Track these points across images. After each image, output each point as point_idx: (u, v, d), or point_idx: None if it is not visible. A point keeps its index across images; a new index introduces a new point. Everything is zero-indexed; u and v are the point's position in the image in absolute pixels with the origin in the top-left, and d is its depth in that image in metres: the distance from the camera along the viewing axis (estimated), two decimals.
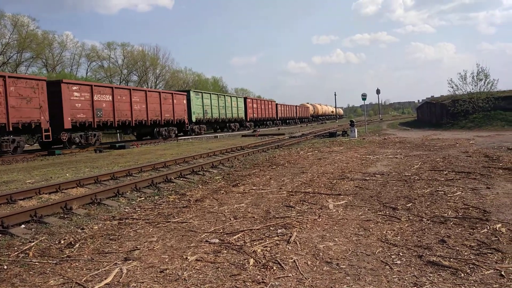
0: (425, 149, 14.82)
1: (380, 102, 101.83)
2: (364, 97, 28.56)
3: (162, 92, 28.41)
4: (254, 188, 8.29)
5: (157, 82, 67.40)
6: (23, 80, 17.42)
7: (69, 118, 19.53)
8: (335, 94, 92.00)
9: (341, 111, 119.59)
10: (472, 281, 3.42)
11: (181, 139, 28.18)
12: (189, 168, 10.95)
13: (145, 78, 65.43)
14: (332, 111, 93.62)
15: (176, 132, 29.71)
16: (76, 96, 20.07)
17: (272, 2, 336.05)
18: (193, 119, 31.94)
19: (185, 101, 30.59)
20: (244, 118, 42.77)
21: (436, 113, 39.18)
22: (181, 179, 9.88)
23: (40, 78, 18.92)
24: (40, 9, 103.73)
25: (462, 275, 3.55)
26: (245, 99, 44.46)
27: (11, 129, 16.53)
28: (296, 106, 67.27)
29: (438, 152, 13.36)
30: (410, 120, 57.46)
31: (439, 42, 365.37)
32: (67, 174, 11.00)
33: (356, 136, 22.91)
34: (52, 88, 19.00)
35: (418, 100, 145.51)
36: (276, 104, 55.33)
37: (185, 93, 31.25)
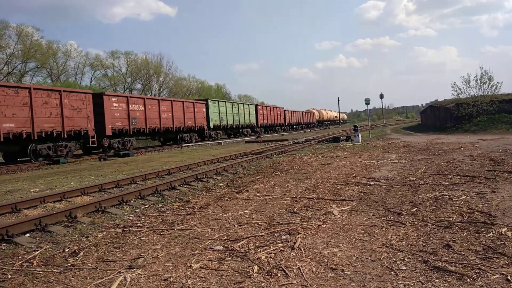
0: (430, 153, 14.76)
1: (383, 107, 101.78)
2: (367, 101, 28.50)
3: (185, 102, 31.10)
4: (258, 194, 8.28)
5: (161, 90, 67.68)
6: (74, 93, 20.34)
7: (109, 126, 22.17)
8: (338, 99, 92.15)
9: (345, 116, 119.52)
10: (478, 286, 3.39)
11: (184, 146, 28.27)
12: (193, 175, 10.95)
13: (149, 86, 65.71)
14: (336, 116, 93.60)
15: (197, 137, 32.20)
16: (115, 107, 22.79)
17: (274, 9, 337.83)
18: (211, 126, 34.45)
19: (204, 109, 33.30)
20: (255, 124, 45.04)
21: (440, 117, 39.06)
22: (185, 186, 9.88)
23: (87, 92, 21.78)
24: (44, 19, 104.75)
25: (468, 280, 3.52)
26: (256, 106, 46.62)
27: (65, 136, 19.36)
28: (302, 112, 68.82)
29: (442, 156, 13.30)
30: (414, 124, 57.30)
31: (441, 45, 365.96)
32: (72, 183, 11.04)
33: (360, 141, 22.84)
34: (96, 100, 21.55)
35: (422, 104, 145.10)
36: (284, 111, 56.96)
37: (204, 102, 33.92)
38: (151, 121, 25.73)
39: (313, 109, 79.71)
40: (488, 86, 34.39)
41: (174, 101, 29.31)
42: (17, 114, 16.94)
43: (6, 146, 17.53)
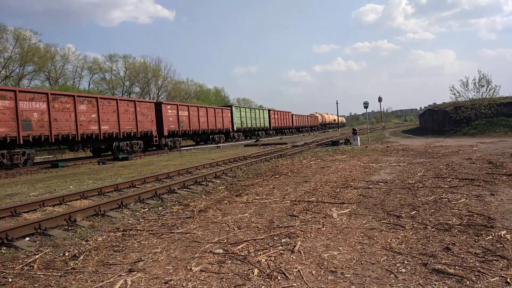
0: (428, 156, 14.80)
1: (382, 110, 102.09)
2: (366, 105, 28.60)
3: (216, 108, 37.05)
4: (257, 197, 8.29)
5: (159, 93, 67.72)
6: (143, 103, 26.68)
7: (166, 128, 28.11)
8: (337, 103, 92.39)
9: (344, 120, 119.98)
10: None
11: (184, 149, 28.32)
12: (192, 178, 10.96)
13: (147, 90, 65.76)
14: (334, 120, 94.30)
15: (224, 138, 37.79)
16: (169, 113, 28.66)
17: (272, 11, 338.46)
18: (235, 128, 40.32)
19: (230, 114, 39.09)
20: (268, 126, 50.64)
21: (438, 120, 39.14)
22: (185, 189, 9.89)
23: (151, 101, 29.17)
24: (42, 23, 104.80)
25: (468, 282, 3.54)
26: (269, 111, 51.86)
27: (138, 136, 25.07)
28: (307, 116, 74.19)
29: (441, 159, 13.33)
30: (412, 127, 57.42)
31: (439, 49, 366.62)
32: (71, 186, 11.03)
33: (359, 144, 22.89)
34: (156, 107, 27.39)
35: (420, 107, 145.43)
36: (292, 115, 61.86)
37: (229, 108, 40.12)
38: (193, 124, 31.59)
39: (316, 113, 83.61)
40: (487, 89, 34.51)
41: (208, 107, 35.43)
42: (110, 119, 22.52)
43: (101, 143, 22.96)
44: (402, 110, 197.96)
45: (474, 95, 35.06)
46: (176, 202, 8.44)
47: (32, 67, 48.43)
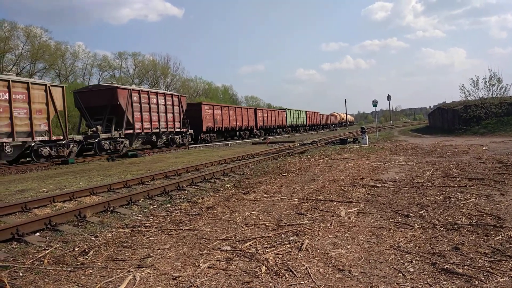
0: (438, 155, 14.69)
1: (391, 109, 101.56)
2: (375, 103, 28.41)
3: (279, 110, 55.10)
4: (265, 195, 8.30)
5: (168, 91, 67.90)
6: (250, 109, 45.61)
7: (258, 124, 45.28)
8: (345, 101, 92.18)
9: (352, 118, 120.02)
10: None
11: (192, 147, 28.45)
12: (201, 176, 11.00)
13: (156, 87, 66.00)
14: (343, 118, 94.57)
15: (281, 131, 53.65)
16: (259, 114, 46.17)
17: (281, 10, 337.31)
18: (287, 125, 55.74)
19: (284, 114, 55.14)
20: (305, 123, 64.66)
21: (448, 119, 38.78)
22: (193, 186, 9.93)
23: (251, 107, 48.04)
24: (52, 21, 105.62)
25: (476, 282, 3.52)
26: (306, 112, 65.37)
27: (248, 128, 42.17)
28: (329, 115, 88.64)
29: (450, 159, 13.23)
30: (422, 126, 56.96)
31: (449, 47, 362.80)
32: (81, 183, 11.13)
33: (367, 143, 22.78)
34: (255, 111, 45.39)
35: (430, 106, 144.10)
36: (320, 114, 75.41)
37: (284, 110, 56.09)
38: (269, 122, 49.00)
39: (335, 112, 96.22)
40: (497, 88, 33.98)
41: (276, 110, 54.08)
42: (238, 119, 40.13)
43: (234, 132, 40.08)
44: (411, 109, 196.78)
45: (485, 94, 34.59)
46: (185, 199, 8.49)
47: (43, 64, 49.00)
